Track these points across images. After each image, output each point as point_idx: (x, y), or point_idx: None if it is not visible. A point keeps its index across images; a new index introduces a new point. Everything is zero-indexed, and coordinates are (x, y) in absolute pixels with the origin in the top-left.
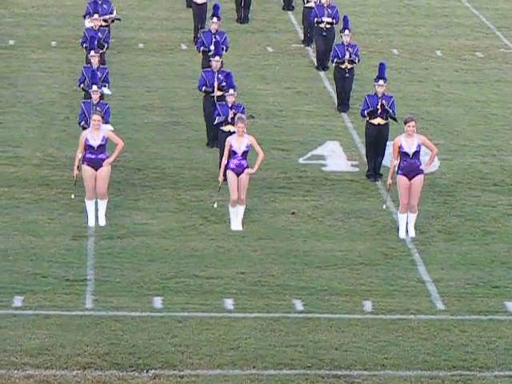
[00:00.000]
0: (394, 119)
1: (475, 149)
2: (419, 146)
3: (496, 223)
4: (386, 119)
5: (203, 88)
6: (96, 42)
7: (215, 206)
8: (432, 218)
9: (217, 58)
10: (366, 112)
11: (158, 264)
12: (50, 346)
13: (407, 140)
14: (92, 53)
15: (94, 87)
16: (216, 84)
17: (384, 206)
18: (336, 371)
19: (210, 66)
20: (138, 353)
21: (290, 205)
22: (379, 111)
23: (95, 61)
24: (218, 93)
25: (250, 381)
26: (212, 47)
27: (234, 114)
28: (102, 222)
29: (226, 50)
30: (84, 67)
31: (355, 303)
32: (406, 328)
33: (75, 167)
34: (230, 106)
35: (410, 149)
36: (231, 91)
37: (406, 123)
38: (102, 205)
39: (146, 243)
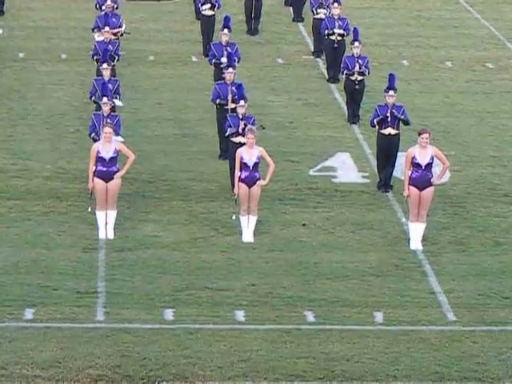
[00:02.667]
0: (407, 123)
1: (486, 160)
2: (432, 158)
3: (507, 234)
4: (397, 129)
5: (217, 100)
6: (108, 55)
7: (233, 218)
8: (443, 229)
9: (230, 69)
10: (375, 121)
11: (169, 276)
12: (62, 359)
13: (421, 151)
14: (104, 65)
15: (105, 99)
16: (230, 97)
17: (403, 220)
18: (347, 382)
19: (222, 78)
20: (150, 365)
21: (300, 216)
22: (389, 119)
23: (107, 73)
24: (231, 105)
25: None
26: (224, 59)
27: (245, 125)
28: (111, 234)
29: (239, 62)
30: (95, 79)
31: (366, 314)
32: (417, 339)
33: (90, 179)
34: (240, 117)
35: (423, 160)
36: (242, 102)
37: (419, 135)
38: (111, 217)
39: (156, 255)
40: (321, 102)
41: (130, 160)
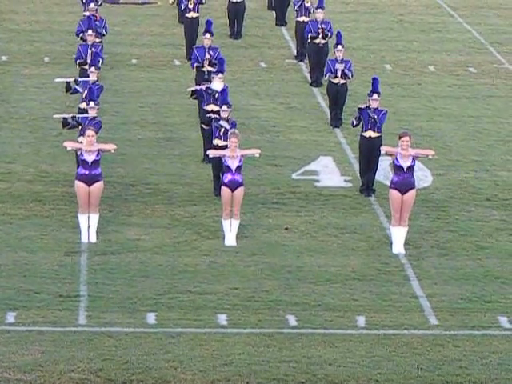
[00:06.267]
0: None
1: (468, 164)
2: (414, 161)
3: (489, 238)
4: (378, 132)
5: (204, 106)
6: (99, 60)
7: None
8: (425, 233)
9: (220, 75)
10: (354, 121)
11: (151, 280)
12: (44, 362)
13: (402, 155)
14: (92, 69)
15: (91, 103)
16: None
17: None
18: None
19: (205, 81)
20: (132, 369)
21: (283, 220)
22: (370, 121)
23: (93, 77)
24: (214, 108)
25: None
26: (206, 63)
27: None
28: (93, 238)
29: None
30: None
31: (349, 318)
32: (399, 343)
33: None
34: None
35: (404, 163)
36: (225, 107)
37: (400, 138)
38: (94, 221)
39: (139, 259)
40: (304, 106)
41: (111, 145)
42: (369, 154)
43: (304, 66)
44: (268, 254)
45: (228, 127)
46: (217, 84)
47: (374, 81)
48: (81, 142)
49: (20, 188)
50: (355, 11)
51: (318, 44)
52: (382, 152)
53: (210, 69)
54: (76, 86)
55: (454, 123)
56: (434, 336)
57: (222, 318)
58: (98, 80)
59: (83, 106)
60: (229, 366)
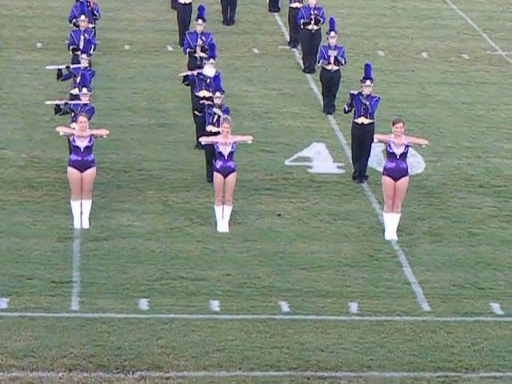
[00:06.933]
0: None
1: (461, 150)
2: (407, 148)
3: (481, 225)
4: (371, 119)
5: (197, 92)
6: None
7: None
8: (418, 219)
9: (211, 60)
10: (346, 107)
11: (143, 266)
12: (36, 348)
13: (395, 141)
14: (84, 56)
15: (84, 90)
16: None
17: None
18: (322, 373)
19: (198, 67)
20: (124, 354)
21: (275, 207)
22: (362, 107)
23: (85, 63)
24: (206, 94)
25: (235, 382)
26: (199, 49)
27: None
28: (86, 224)
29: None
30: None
31: (341, 305)
32: (391, 329)
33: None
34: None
35: (398, 150)
36: (218, 94)
37: (394, 124)
38: (86, 207)
39: (131, 245)
40: (296, 92)
41: (104, 131)
42: (361, 141)
43: (297, 52)
44: (260, 240)
45: (221, 114)
46: (208, 70)
47: (367, 67)
48: (73, 128)
49: (12, 174)
50: None
51: (311, 30)
52: (375, 140)
53: (202, 55)
54: (69, 69)
55: (447, 110)
56: (426, 322)
57: (215, 304)
58: (90, 66)
59: (75, 91)
60: (221, 352)
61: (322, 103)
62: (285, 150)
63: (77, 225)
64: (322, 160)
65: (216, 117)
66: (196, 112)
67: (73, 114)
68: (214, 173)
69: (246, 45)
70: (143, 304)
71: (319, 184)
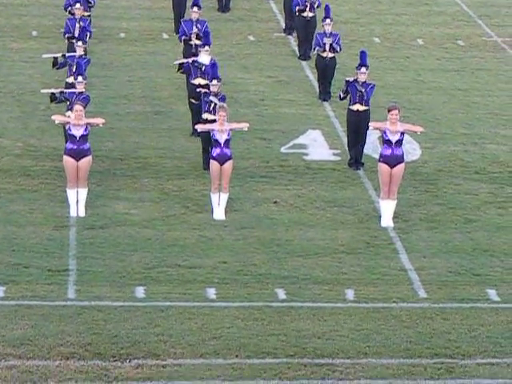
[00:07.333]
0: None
1: (457, 137)
2: (402, 135)
3: (477, 211)
4: (366, 105)
5: (192, 80)
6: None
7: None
8: (414, 206)
9: (206, 48)
10: (341, 94)
11: (140, 254)
12: (33, 337)
13: (391, 128)
14: (79, 43)
15: (80, 78)
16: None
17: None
18: (318, 360)
19: (193, 55)
20: (121, 342)
21: (272, 194)
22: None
23: (80, 51)
24: (201, 81)
25: (232, 370)
26: (194, 36)
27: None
28: (82, 212)
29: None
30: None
31: (337, 292)
32: (388, 316)
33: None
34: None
35: (393, 137)
36: (214, 82)
37: (389, 111)
38: (82, 195)
39: (128, 233)
40: (292, 80)
41: (99, 120)
42: (356, 128)
43: (292, 40)
44: (257, 227)
45: (218, 102)
46: (203, 57)
47: (362, 54)
48: (69, 117)
49: (8, 162)
50: None
51: (306, 17)
52: (371, 128)
53: (197, 42)
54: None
55: (443, 96)
56: (423, 309)
57: (211, 292)
58: (85, 54)
59: (70, 80)
60: (218, 339)
61: (317, 90)
62: (281, 137)
63: (73, 213)
64: (317, 147)
65: (212, 105)
66: (192, 100)
67: (68, 103)
68: (211, 160)
69: (241, 32)
70: (140, 292)
71: (315, 171)
